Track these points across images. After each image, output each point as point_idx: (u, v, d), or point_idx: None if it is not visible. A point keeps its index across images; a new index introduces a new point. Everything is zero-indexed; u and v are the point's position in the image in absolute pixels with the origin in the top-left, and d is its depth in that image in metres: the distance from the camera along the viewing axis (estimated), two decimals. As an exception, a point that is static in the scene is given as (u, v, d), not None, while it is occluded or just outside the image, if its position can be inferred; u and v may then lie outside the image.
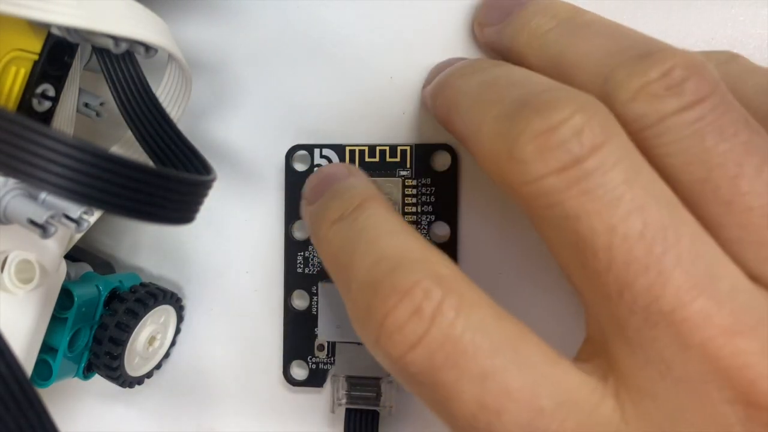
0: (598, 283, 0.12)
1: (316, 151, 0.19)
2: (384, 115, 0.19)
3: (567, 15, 0.15)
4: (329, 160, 0.19)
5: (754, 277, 0.12)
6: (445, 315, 0.12)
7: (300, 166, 0.19)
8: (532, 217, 0.13)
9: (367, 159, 0.19)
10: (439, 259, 0.13)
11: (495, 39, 0.17)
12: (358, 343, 0.18)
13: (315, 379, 0.19)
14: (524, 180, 0.12)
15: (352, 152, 0.19)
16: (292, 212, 0.19)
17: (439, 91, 0.16)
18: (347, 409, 0.18)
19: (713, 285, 0.11)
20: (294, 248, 0.19)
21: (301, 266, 0.19)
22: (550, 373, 0.12)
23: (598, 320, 0.12)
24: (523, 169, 0.12)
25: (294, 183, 0.19)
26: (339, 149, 0.19)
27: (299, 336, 0.19)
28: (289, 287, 0.19)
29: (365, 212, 0.14)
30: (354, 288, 0.13)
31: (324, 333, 0.19)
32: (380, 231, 0.14)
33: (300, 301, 0.19)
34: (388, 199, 0.17)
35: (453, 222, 0.18)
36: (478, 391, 0.11)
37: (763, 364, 0.11)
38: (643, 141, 0.12)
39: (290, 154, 0.19)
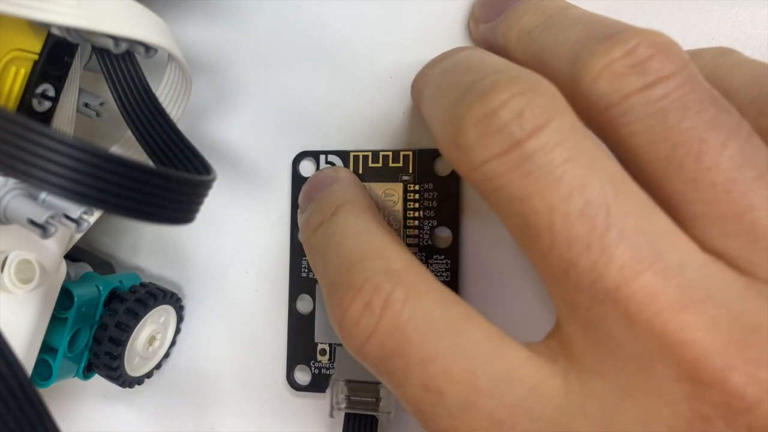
0: (546, 264, 0.12)
1: (322, 157, 0.19)
2: (384, 114, 0.19)
3: (554, 11, 0.15)
4: (334, 166, 0.19)
5: (717, 253, 0.11)
6: (392, 307, 0.12)
7: (306, 172, 0.19)
8: (488, 202, 0.13)
9: (370, 164, 0.19)
10: (395, 255, 0.13)
11: (489, 36, 0.17)
12: None
13: (317, 384, 0.19)
14: (470, 166, 0.12)
15: (356, 158, 0.19)
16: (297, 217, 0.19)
17: (415, 83, 0.17)
18: (346, 414, 0.18)
19: (660, 260, 0.11)
20: (299, 253, 0.19)
21: (306, 271, 0.19)
22: (491, 354, 0.12)
23: (555, 301, 0.12)
24: (468, 156, 0.12)
25: (300, 188, 0.19)
26: (343, 155, 0.19)
27: (303, 340, 0.19)
28: (294, 291, 0.19)
29: (337, 218, 0.15)
30: (325, 291, 0.14)
31: (321, 335, 0.19)
32: (346, 234, 0.15)
33: (304, 306, 0.19)
34: (368, 198, 0.17)
35: (455, 226, 0.18)
36: (422, 375, 0.12)
37: (709, 340, 0.10)
38: (608, 121, 0.12)
39: (297, 161, 0.19)
